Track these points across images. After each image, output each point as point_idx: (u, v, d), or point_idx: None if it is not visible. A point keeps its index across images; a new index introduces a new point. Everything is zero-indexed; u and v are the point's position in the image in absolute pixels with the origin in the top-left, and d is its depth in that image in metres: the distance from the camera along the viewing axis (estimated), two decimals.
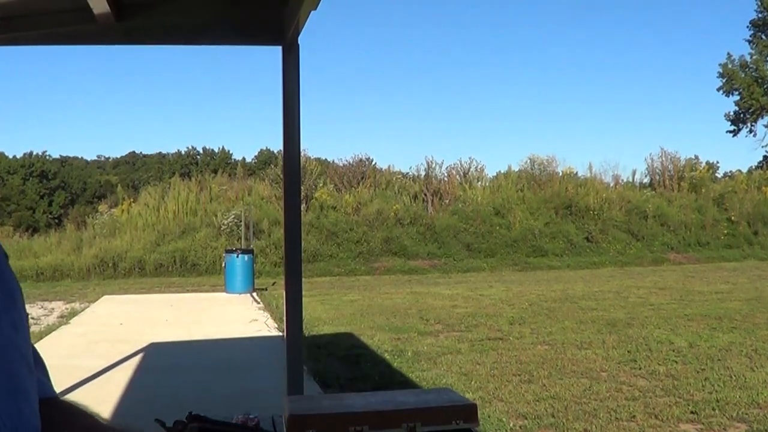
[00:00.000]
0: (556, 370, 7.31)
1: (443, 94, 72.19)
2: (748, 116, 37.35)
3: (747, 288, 14.60)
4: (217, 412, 2.91)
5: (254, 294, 15.19)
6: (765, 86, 36.05)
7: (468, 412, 2.02)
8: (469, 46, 70.36)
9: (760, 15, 36.42)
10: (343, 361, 7.96)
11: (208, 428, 0.69)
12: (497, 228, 23.30)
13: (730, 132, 38.34)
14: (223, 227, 22.24)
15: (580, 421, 5.50)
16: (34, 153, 44.53)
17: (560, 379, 6.89)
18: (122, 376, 7.04)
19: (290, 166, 3.67)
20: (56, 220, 36.81)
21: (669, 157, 28.37)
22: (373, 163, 28.31)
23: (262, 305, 13.18)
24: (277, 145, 41.13)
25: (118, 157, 58.55)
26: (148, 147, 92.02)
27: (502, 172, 29.28)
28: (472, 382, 6.87)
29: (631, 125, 68.23)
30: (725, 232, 24.64)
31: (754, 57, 36.27)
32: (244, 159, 50.30)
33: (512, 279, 18.18)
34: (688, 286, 15.31)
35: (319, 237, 21.97)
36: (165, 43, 3.93)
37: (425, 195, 24.79)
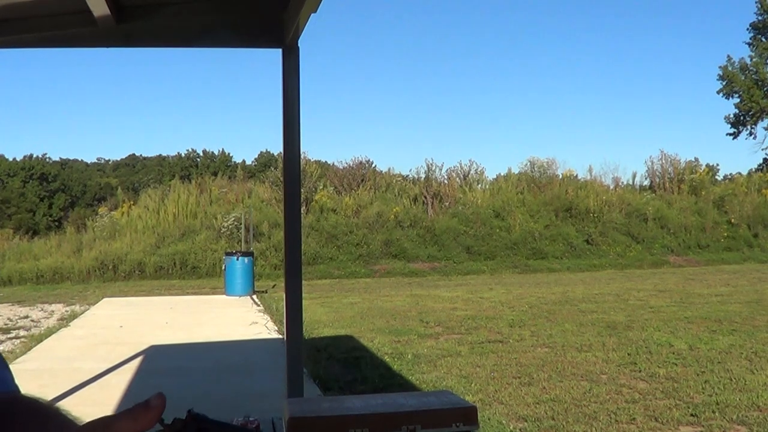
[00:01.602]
0: (556, 372, 7.31)
1: (443, 96, 72.28)
2: (748, 119, 37.36)
3: (747, 290, 14.60)
4: (218, 415, 2.91)
5: (254, 296, 15.19)
6: (765, 89, 36.06)
7: (468, 414, 2.02)
8: (470, 49, 70.43)
9: (760, 17, 36.46)
10: (343, 364, 7.96)
11: (207, 428, 0.69)
12: (497, 230, 23.30)
13: (730, 134, 38.38)
14: (223, 230, 22.25)
15: (580, 424, 5.50)
16: (34, 156, 44.60)
17: (560, 382, 6.89)
18: (122, 378, 7.04)
19: (290, 168, 3.66)
20: (56, 223, 36.82)
21: (669, 159, 28.41)
22: (373, 165, 28.35)
23: (262, 308, 13.18)
24: (277, 148, 41.19)
25: (118, 159, 58.68)
26: (148, 149, 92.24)
27: (502, 174, 29.32)
28: (472, 385, 6.86)
29: (631, 128, 68.32)
30: (725, 234, 24.65)
31: (754, 59, 36.29)
32: (244, 161, 50.39)
33: (512, 281, 18.17)
34: (688, 288, 15.31)
35: (319, 239, 21.98)
36: (165, 45, 3.93)
37: (425, 197, 24.80)
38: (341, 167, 28.07)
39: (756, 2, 36.24)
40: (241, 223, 21.56)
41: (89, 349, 8.88)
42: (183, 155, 53.26)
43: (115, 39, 3.60)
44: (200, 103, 77.48)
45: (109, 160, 58.63)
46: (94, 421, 0.70)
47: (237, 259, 15.49)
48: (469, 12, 69.71)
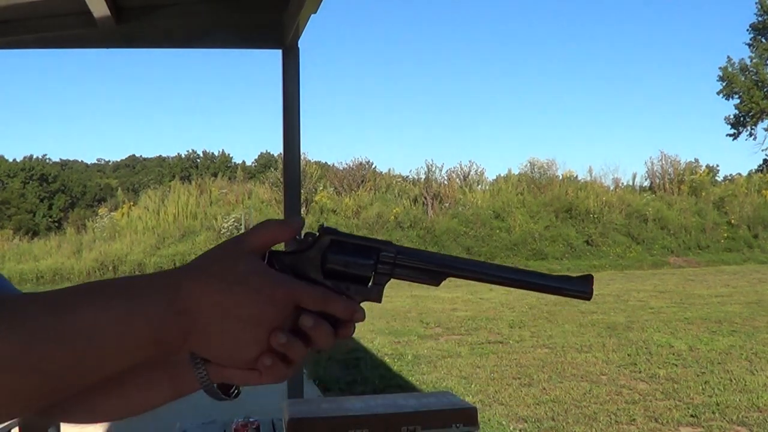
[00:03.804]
0: (556, 373, 7.31)
1: (443, 97, 72.32)
2: (748, 120, 37.36)
3: (747, 291, 14.59)
4: (217, 416, 2.91)
5: None
6: (765, 90, 36.06)
7: (468, 415, 2.02)
8: (470, 50, 70.48)
9: (760, 18, 36.46)
10: (343, 365, 7.96)
11: (339, 240, 0.70)
12: (497, 231, 23.30)
13: (730, 135, 38.38)
14: (224, 231, 22.25)
15: (580, 425, 5.50)
16: (34, 156, 44.57)
17: (560, 383, 6.89)
18: None
19: (290, 169, 3.66)
20: (56, 224, 36.80)
21: (669, 160, 28.38)
22: (373, 166, 28.34)
23: None
24: (277, 149, 41.19)
25: (118, 160, 58.62)
26: (149, 150, 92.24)
27: (502, 175, 29.29)
28: (472, 386, 6.86)
29: (631, 128, 68.33)
30: (725, 235, 24.63)
31: (754, 60, 36.30)
32: (244, 162, 50.37)
33: None
34: (688, 289, 15.30)
35: None
36: (165, 46, 3.93)
37: (425, 198, 24.80)
38: (341, 168, 28.08)
39: (756, 3, 36.27)
40: (241, 224, 21.57)
41: None
42: (183, 156, 53.26)
43: (115, 40, 3.60)
44: (200, 104, 77.56)
45: (109, 161, 58.64)
46: (227, 240, 0.69)
47: None
48: (469, 13, 69.79)
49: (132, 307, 0.61)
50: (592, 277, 0.74)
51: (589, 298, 0.74)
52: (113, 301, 0.62)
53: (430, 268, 0.73)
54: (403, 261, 0.72)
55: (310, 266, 0.70)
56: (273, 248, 0.71)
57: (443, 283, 0.73)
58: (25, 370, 0.56)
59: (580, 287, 0.74)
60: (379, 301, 0.71)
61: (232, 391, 0.78)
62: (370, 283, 0.71)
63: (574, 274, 0.78)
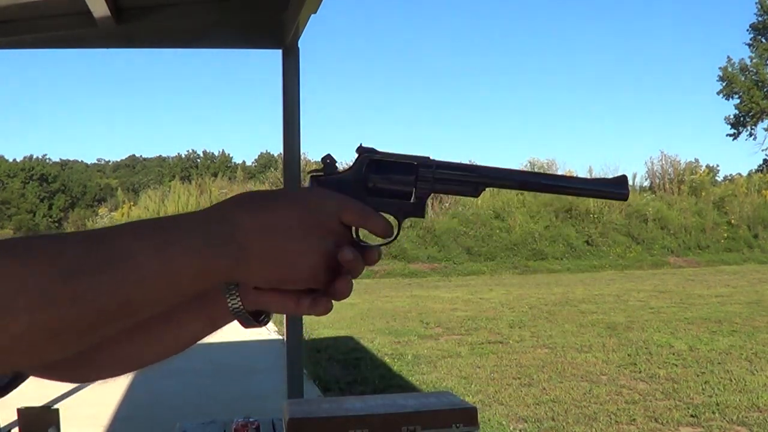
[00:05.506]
0: (556, 373, 7.31)
1: (443, 97, 72.31)
2: (748, 120, 37.37)
3: (747, 291, 14.59)
4: (217, 416, 2.91)
5: None
6: (765, 90, 36.06)
7: (468, 415, 2.02)
8: (470, 50, 70.48)
9: (760, 18, 36.46)
10: (343, 365, 7.96)
11: (381, 159, 0.72)
12: (497, 231, 23.29)
13: (730, 135, 38.39)
14: None
15: (580, 425, 5.50)
16: (35, 156, 44.62)
17: (560, 383, 6.89)
18: (121, 379, 7.03)
19: (290, 169, 3.66)
20: (56, 224, 36.85)
21: (669, 160, 28.37)
22: None
23: None
24: (277, 149, 41.20)
25: (119, 160, 58.65)
26: (149, 150, 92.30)
27: None
28: (472, 386, 6.87)
29: (631, 128, 68.33)
30: (725, 235, 24.63)
31: (754, 60, 36.30)
32: (244, 162, 50.43)
33: (512, 282, 18.16)
34: (688, 289, 15.30)
35: None
36: (165, 46, 3.93)
37: None
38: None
39: (756, 3, 36.27)
40: None
41: None
42: (183, 156, 53.30)
43: (116, 40, 3.60)
44: (200, 104, 77.57)
45: (109, 161, 58.64)
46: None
47: None
48: (469, 13, 69.84)
49: (168, 237, 0.59)
50: (626, 177, 0.76)
51: (625, 199, 0.75)
52: (147, 232, 0.59)
53: (469, 179, 0.74)
54: (442, 175, 0.73)
55: (354, 186, 0.72)
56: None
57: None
58: (64, 304, 0.53)
59: (617, 188, 0.76)
60: (423, 216, 0.73)
61: (261, 317, 0.77)
62: (412, 199, 0.72)
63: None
